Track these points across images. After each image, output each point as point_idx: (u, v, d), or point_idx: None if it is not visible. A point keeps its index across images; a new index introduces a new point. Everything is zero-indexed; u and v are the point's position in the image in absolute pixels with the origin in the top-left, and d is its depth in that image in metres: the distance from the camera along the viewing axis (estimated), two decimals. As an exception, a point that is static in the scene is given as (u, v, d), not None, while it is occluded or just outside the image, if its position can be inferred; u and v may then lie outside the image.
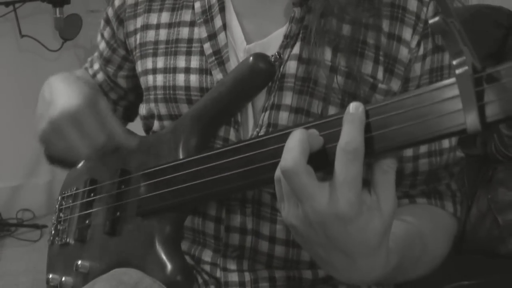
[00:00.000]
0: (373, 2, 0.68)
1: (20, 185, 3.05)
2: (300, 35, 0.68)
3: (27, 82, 3.12)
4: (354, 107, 0.47)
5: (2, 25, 2.92)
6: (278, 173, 0.49)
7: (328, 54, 0.67)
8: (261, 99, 0.69)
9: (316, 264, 0.72)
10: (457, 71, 0.43)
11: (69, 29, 2.98)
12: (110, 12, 0.83)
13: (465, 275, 1.16)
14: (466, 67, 0.43)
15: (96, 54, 0.92)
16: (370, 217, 0.46)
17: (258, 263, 0.71)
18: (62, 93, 0.68)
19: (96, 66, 0.91)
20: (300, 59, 0.68)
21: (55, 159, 0.77)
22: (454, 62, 0.44)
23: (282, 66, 0.68)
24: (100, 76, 0.90)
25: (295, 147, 0.46)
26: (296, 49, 0.68)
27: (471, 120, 0.42)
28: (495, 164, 1.44)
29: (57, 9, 2.88)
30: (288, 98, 0.68)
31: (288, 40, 0.69)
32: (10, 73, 3.08)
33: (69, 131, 0.65)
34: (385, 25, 0.68)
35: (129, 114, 0.94)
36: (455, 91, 0.44)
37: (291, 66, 0.68)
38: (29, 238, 2.75)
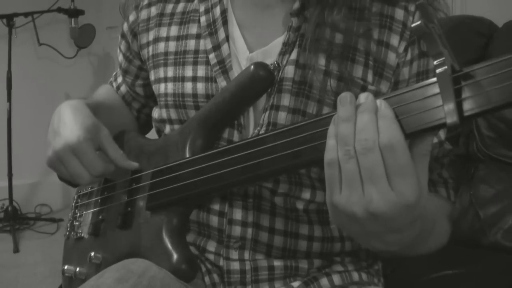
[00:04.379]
0: (364, 13, 0.69)
1: (38, 182, 3.06)
2: (297, 42, 0.69)
3: (44, 87, 3.13)
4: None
5: (22, 34, 2.92)
6: (332, 156, 0.48)
7: (322, 60, 0.68)
8: (261, 101, 0.70)
9: (312, 255, 0.72)
10: (437, 71, 0.44)
11: (83, 38, 2.98)
12: (125, 27, 0.85)
13: (448, 265, 1.16)
14: (445, 67, 0.44)
15: (119, 68, 0.94)
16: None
17: (259, 253, 0.71)
18: (67, 125, 0.71)
19: (120, 79, 0.93)
20: (297, 64, 0.68)
21: (63, 180, 0.78)
22: (435, 63, 0.44)
23: (280, 71, 0.68)
24: (123, 88, 0.92)
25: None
26: (293, 55, 0.69)
27: (450, 115, 0.43)
28: (477, 163, 1.44)
29: (73, 20, 2.89)
30: (286, 100, 0.68)
31: (287, 47, 0.69)
32: (29, 78, 3.09)
33: (70, 161, 0.70)
34: (375, 33, 0.69)
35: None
36: (436, 89, 0.45)
37: (289, 71, 0.68)
38: (46, 231, 2.75)
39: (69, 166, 0.70)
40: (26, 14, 2.81)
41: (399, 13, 0.69)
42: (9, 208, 2.76)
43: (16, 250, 2.49)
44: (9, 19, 2.76)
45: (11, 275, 2.22)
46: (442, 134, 0.73)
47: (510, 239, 1.27)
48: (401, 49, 0.69)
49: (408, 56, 0.69)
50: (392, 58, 0.69)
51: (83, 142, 0.69)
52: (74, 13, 2.87)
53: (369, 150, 0.45)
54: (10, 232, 2.64)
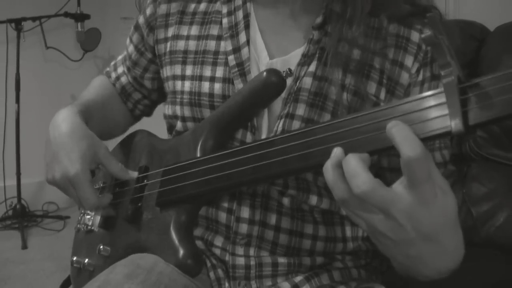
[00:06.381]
0: (381, 32, 0.69)
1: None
2: (317, 55, 0.69)
3: (51, 88, 3.13)
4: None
5: (30, 38, 2.92)
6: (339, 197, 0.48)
7: (339, 74, 0.68)
8: (277, 108, 0.70)
9: (315, 253, 0.72)
10: (444, 81, 0.44)
11: (89, 41, 2.98)
12: (141, 19, 0.83)
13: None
14: (452, 77, 0.44)
15: (120, 58, 0.92)
16: (444, 196, 0.46)
17: (263, 250, 0.71)
18: (64, 152, 0.70)
19: (120, 69, 0.91)
20: (314, 76, 0.68)
21: None
22: (442, 73, 0.44)
23: (298, 81, 0.69)
24: (124, 79, 0.90)
25: (358, 171, 0.45)
26: (312, 67, 0.69)
27: (456, 124, 0.43)
28: (470, 162, 1.44)
29: (79, 24, 2.89)
30: (301, 110, 0.68)
31: (306, 59, 0.69)
32: (37, 80, 3.08)
33: (68, 190, 0.71)
34: (390, 52, 0.69)
35: (148, 111, 0.95)
36: (443, 98, 0.45)
37: (307, 82, 0.68)
38: (53, 228, 2.75)
39: (68, 194, 0.72)
40: (34, 19, 2.82)
41: (415, 36, 0.70)
42: (18, 206, 2.76)
43: (24, 246, 2.49)
44: (18, 23, 2.76)
45: (19, 271, 2.22)
46: (447, 155, 0.73)
47: (502, 235, 1.27)
48: (413, 70, 0.69)
49: (420, 77, 0.70)
50: (405, 77, 0.69)
51: (81, 174, 0.69)
52: (80, 17, 2.87)
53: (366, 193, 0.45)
54: (19, 229, 2.64)
